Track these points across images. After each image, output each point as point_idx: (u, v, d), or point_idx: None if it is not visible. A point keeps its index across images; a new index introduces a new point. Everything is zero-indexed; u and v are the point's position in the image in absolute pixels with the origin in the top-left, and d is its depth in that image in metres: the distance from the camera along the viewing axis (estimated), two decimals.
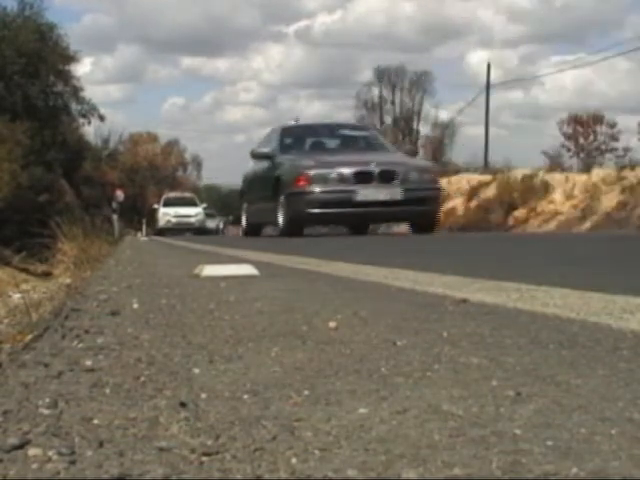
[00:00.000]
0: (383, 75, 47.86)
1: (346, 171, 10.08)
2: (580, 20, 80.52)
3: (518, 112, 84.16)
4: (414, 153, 13.95)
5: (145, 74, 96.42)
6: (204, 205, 34.44)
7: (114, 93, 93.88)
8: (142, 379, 1.29)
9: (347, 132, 13.04)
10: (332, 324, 1.83)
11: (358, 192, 9.93)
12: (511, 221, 17.09)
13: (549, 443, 0.88)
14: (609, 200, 14.97)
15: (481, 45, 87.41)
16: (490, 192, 18.54)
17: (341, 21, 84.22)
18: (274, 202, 10.70)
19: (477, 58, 79.30)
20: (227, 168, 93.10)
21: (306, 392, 1.17)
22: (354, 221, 11.57)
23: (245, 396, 1.15)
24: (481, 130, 31.08)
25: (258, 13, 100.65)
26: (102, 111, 32.03)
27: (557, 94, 75.46)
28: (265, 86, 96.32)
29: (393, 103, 47.92)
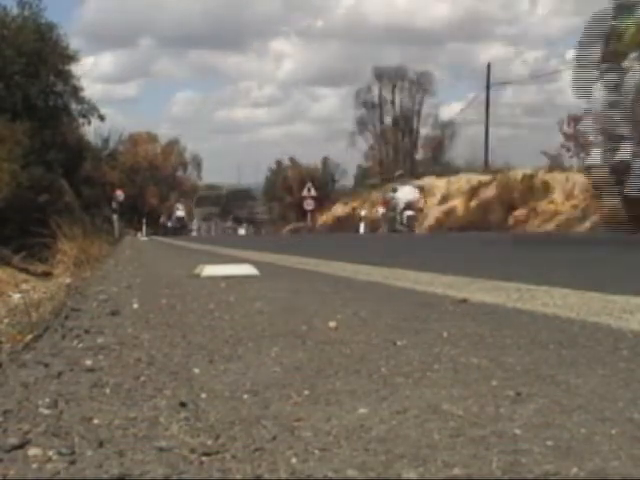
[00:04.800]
0: (383, 75, 47.80)
1: None
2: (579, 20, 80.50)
3: (518, 112, 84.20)
4: None
5: (147, 73, 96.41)
6: None
7: (116, 92, 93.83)
8: (142, 379, 1.29)
9: None
10: (332, 324, 1.83)
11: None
12: (511, 221, 17.10)
13: (549, 443, 0.88)
14: None
15: (482, 45, 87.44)
16: (490, 192, 18.55)
17: (346, 19, 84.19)
18: None
19: (479, 57, 79.29)
20: (227, 168, 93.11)
21: (306, 392, 1.17)
22: None
23: (245, 396, 1.15)
24: (481, 130, 31.02)
25: (261, 13, 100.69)
26: (103, 111, 31.93)
27: (557, 94, 75.47)
28: (267, 85, 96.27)
29: (393, 103, 47.86)
